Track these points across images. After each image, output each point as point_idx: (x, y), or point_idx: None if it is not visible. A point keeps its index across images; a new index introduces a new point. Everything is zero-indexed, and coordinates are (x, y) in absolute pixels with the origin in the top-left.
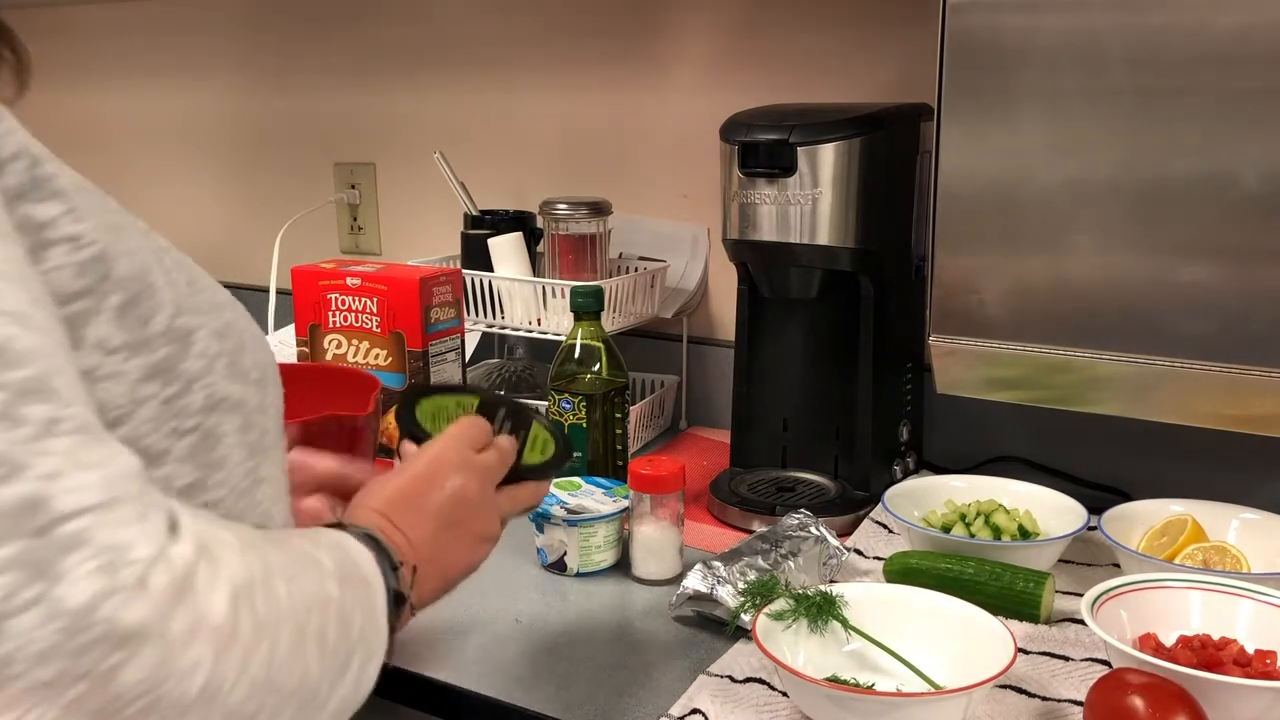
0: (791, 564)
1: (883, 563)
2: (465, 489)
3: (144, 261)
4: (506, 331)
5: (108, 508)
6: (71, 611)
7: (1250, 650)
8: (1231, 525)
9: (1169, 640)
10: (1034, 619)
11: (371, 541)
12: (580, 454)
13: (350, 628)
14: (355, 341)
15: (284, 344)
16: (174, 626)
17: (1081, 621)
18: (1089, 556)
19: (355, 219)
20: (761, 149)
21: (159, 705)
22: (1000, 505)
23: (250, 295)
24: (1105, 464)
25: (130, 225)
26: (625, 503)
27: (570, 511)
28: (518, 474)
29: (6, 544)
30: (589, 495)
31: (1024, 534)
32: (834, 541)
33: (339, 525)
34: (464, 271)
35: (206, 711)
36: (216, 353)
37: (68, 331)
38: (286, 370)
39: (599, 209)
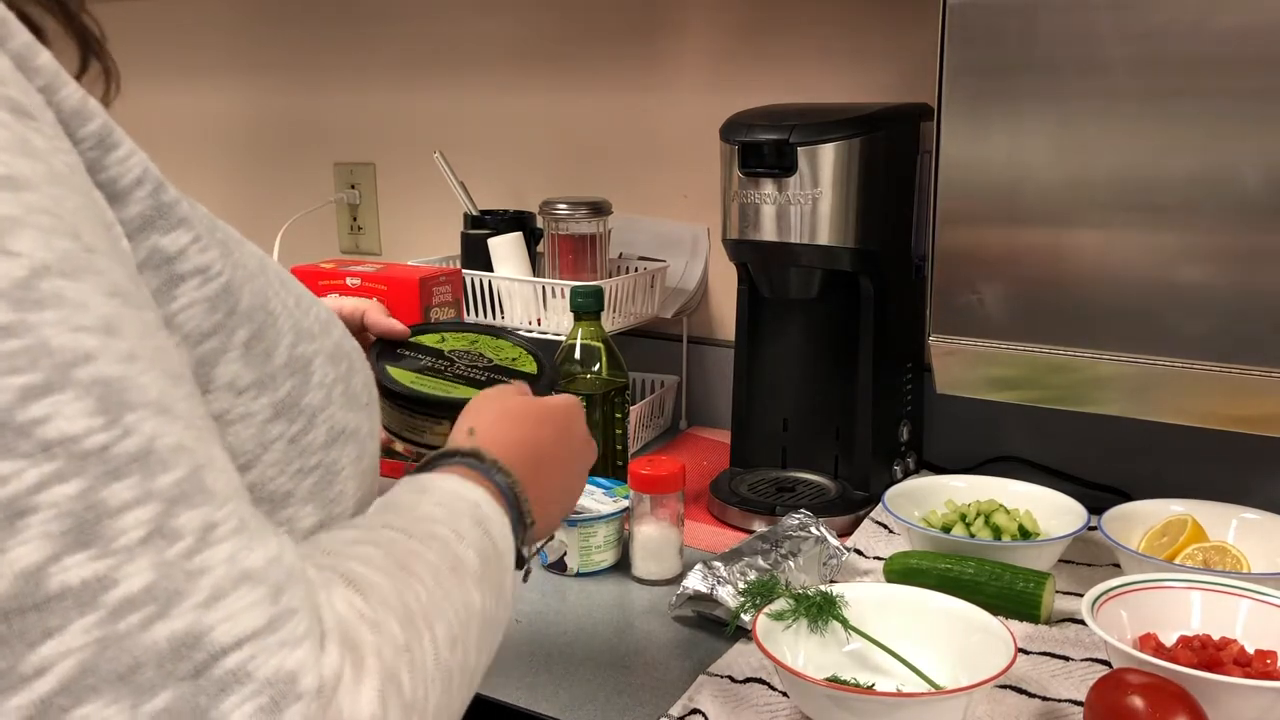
0: (791, 564)
1: (883, 563)
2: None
3: (263, 287)
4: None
5: (272, 628)
6: None
7: (1250, 650)
8: (1231, 525)
9: (1169, 640)
10: (1034, 619)
11: (498, 473)
12: None
13: (491, 629)
14: None
15: None
16: None
17: (1081, 621)
18: (1089, 556)
19: (355, 219)
20: (762, 149)
21: None
22: (1000, 505)
23: None
24: (1105, 464)
25: (235, 239)
26: (625, 503)
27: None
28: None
29: (159, 692)
30: (589, 495)
31: (1024, 534)
32: (834, 541)
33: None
34: (464, 271)
35: None
36: (333, 380)
37: (198, 374)
38: None
39: (599, 209)
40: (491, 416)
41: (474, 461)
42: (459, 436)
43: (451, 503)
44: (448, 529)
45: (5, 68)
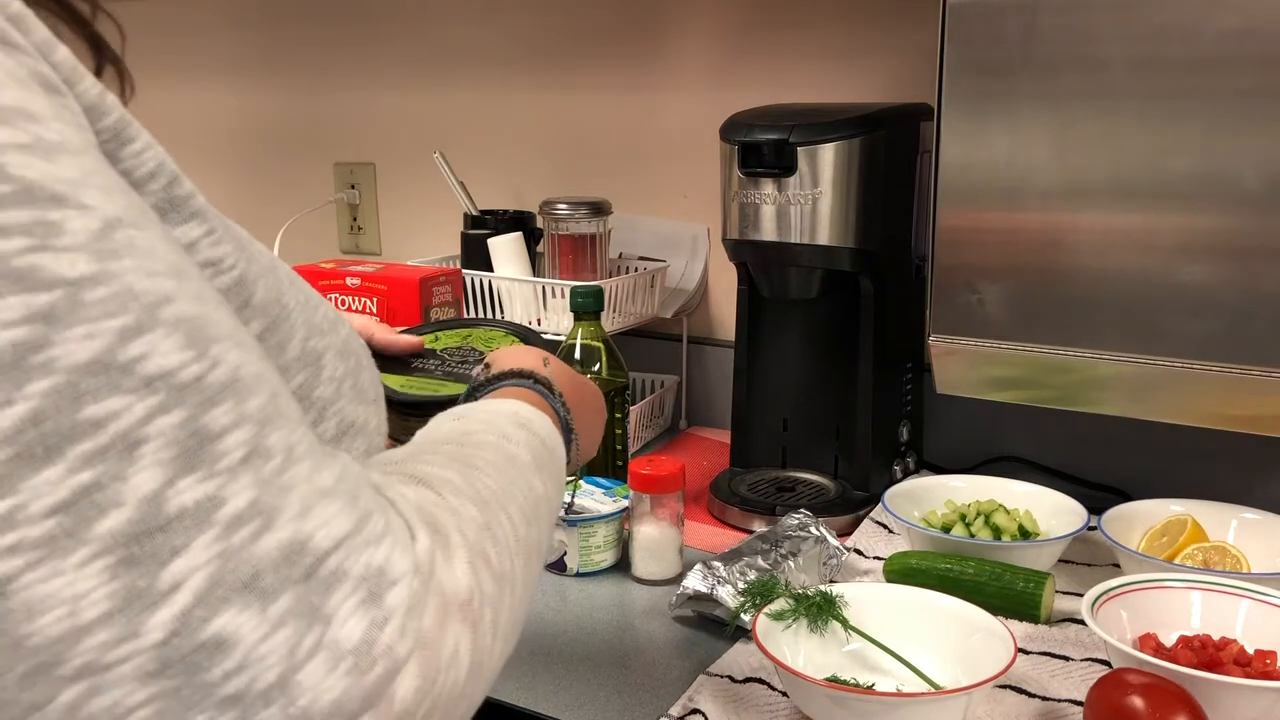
0: (791, 564)
1: (883, 563)
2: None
3: (276, 282)
4: None
5: (356, 530)
6: (352, 651)
7: (1250, 650)
8: (1231, 525)
9: (1169, 640)
10: (1034, 619)
11: (541, 387)
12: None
13: (554, 511)
14: None
15: None
16: (429, 622)
17: (1081, 621)
18: (1089, 556)
19: (355, 219)
20: (761, 149)
21: (438, 704)
22: (1000, 505)
23: None
24: (1105, 464)
25: (246, 238)
26: (625, 503)
27: (570, 511)
28: None
29: (280, 596)
30: (589, 495)
31: (1024, 534)
32: (834, 541)
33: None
34: (464, 271)
35: (476, 684)
36: (343, 375)
37: None
38: None
39: (599, 209)
40: (558, 363)
41: (543, 390)
42: (533, 362)
43: (489, 418)
44: (494, 435)
45: (33, 51)
